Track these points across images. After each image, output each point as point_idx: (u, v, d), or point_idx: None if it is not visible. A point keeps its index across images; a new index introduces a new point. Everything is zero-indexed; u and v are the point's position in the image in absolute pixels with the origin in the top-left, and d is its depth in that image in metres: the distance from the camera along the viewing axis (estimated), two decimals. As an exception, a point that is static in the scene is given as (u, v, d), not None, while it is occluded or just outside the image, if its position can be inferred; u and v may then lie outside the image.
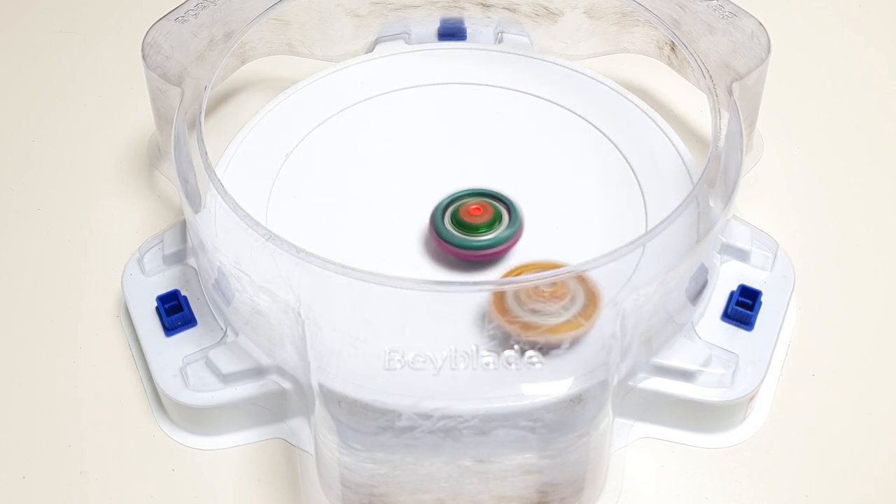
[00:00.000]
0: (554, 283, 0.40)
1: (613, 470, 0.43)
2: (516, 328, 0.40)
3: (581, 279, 0.41)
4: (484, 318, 0.41)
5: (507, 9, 0.55)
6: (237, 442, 0.44)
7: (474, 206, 0.46)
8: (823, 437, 0.45)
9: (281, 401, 0.44)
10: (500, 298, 0.41)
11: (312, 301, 0.40)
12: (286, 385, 0.43)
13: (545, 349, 0.40)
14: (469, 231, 0.45)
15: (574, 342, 0.40)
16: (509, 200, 0.46)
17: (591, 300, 0.41)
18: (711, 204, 0.45)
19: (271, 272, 0.42)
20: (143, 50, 0.49)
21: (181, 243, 0.47)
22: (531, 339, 0.40)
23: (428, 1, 0.55)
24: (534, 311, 0.41)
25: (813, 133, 0.56)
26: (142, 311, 0.46)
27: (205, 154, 0.44)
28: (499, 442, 0.39)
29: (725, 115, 0.47)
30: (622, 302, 0.40)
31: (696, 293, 0.45)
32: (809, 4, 0.61)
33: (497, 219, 0.46)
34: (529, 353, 0.40)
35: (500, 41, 0.55)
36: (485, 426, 0.39)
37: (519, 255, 0.46)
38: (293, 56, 0.56)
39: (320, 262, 0.40)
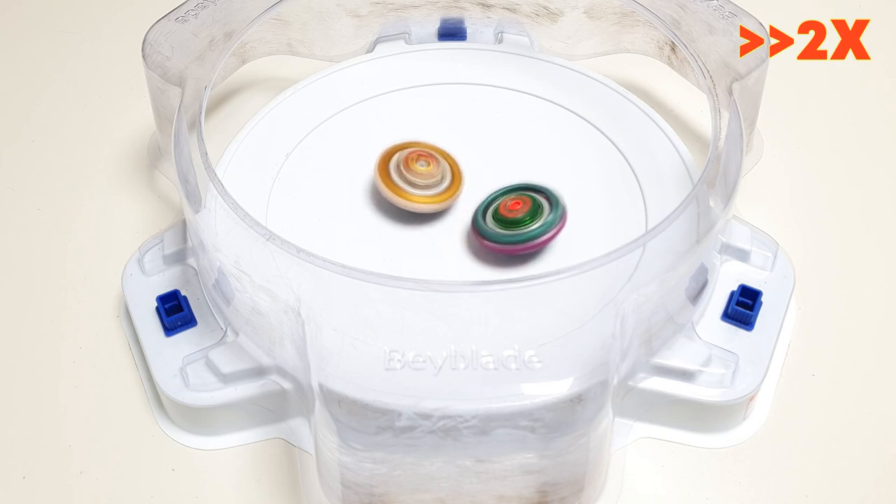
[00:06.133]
0: (428, 161, 0.47)
1: (613, 470, 0.43)
2: (388, 189, 0.46)
3: (450, 161, 0.48)
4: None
5: (507, 9, 0.55)
6: (237, 442, 0.44)
7: (513, 201, 0.46)
8: (823, 437, 0.45)
9: (281, 401, 0.44)
10: (385, 163, 0.47)
11: (312, 301, 0.40)
12: (286, 385, 0.43)
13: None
14: (511, 226, 0.45)
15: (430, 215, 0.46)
16: (548, 190, 0.46)
17: (455, 182, 0.47)
18: (711, 204, 0.45)
19: (271, 272, 0.42)
20: (143, 50, 0.49)
21: (181, 243, 0.47)
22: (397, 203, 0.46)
23: (428, 1, 0.55)
24: (408, 182, 0.46)
25: (813, 133, 0.56)
26: (142, 311, 0.46)
27: (205, 154, 0.44)
28: (499, 442, 0.39)
29: (725, 115, 0.47)
30: (622, 302, 0.40)
31: (696, 293, 0.45)
32: (809, 4, 0.61)
33: (538, 209, 0.46)
34: (529, 352, 0.40)
35: (500, 41, 0.55)
36: (485, 426, 0.39)
37: (518, 255, 0.46)
38: (293, 56, 0.56)
39: (320, 262, 0.40)
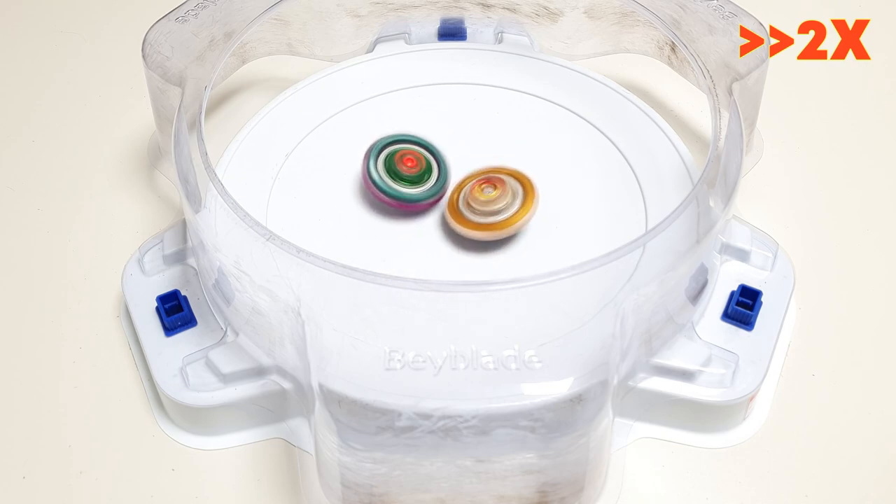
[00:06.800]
0: (492, 183, 0.46)
1: (613, 470, 0.43)
2: (476, 230, 0.45)
3: (513, 174, 0.47)
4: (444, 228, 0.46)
5: (507, 9, 0.55)
6: (237, 442, 0.44)
7: (408, 157, 0.47)
8: (823, 437, 0.45)
9: (281, 401, 0.44)
10: (454, 209, 0.46)
11: (312, 301, 0.40)
12: (286, 385, 0.43)
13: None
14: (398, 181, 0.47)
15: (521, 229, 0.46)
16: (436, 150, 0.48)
17: (528, 190, 0.46)
18: (711, 204, 0.45)
19: (271, 272, 0.42)
20: (143, 50, 0.49)
21: (181, 243, 0.47)
22: (492, 237, 0.45)
23: (428, 1, 0.55)
24: (485, 213, 0.45)
25: (813, 133, 0.56)
26: (142, 311, 0.46)
27: (205, 154, 0.44)
28: (499, 442, 0.39)
29: (725, 115, 0.47)
30: (622, 302, 0.40)
31: (696, 293, 0.45)
32: (809, 4, 0.61)
33: (426, 172, 0.47)
34: (529, 352, 0.40)
35: (500, 41, 0.55)
36: (485, 426, 0.39)
37: (518, 255, 0.46)
38: (293, 56, 0.56)
39: (320, 262, 0.40)
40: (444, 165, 0.48)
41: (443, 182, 0.47)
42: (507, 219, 0.45)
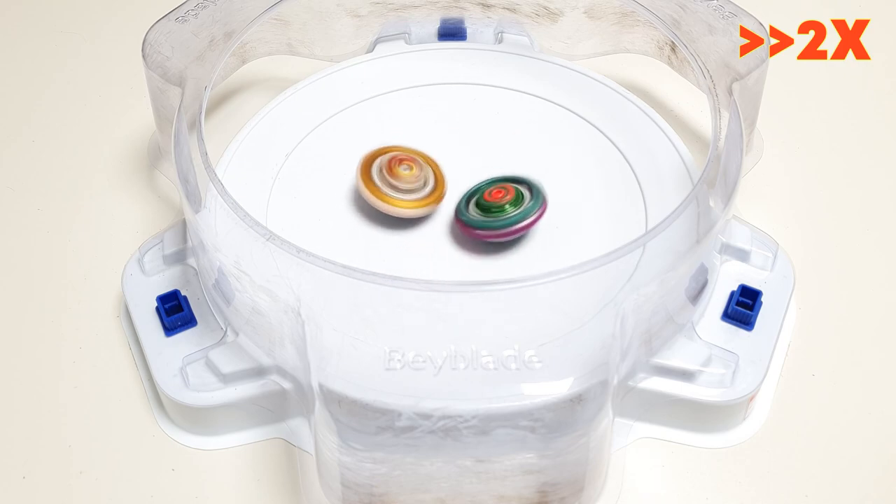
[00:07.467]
0: (411, 165, 0.47)
1: (613, 470, 0.43)
2: (375, 197, 0.46)
3: (433, 166, 0.48)
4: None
5: (507, 9, 0.55)
6: (237, 442, 0.44)
7: (496, 190, 0.46)
8: (823, 437, 0.45)
9: (281, 401, 0.44)
10: (367, 170, 0.47)
11: (312, 301, 0.40)
12: (286, 385, 0.43)
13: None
14: (493, 212, 0.46)
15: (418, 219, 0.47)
16: (530, 181, 0.47)
17: (439, 186, 0.47)
18: (711, 204, 0.45)
19: (271, 272, 0.42)
20: (143, 50, 0.49)
21: (181, 243, 0.47)
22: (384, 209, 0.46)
23: (428, 1, 0.55)
24: (392, 187, 0.46)
25: (813, 133, 0.56)
26: (142, 311, 0.46)
27: (205, 154, 0.44)
28: (499, 442, 0.39)
29: (725, 115, 0.47)
30: (622, 302, 0.40)
31: (696, 293, 0.45)
32: (809, 4, 0.61)
33: (520, 197, 0.46)
34: (529, 352, 0.40)
35: (500, 41, 0.55)
36: (485, 426, 0.39)
37: (518, 255, 0.46)
38: (293, 56, 0.56)
39: (320, 262, 0.40)
40: (532, 183, 0.47)
41: (539, 195, 0.46)
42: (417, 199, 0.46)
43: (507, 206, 0.45)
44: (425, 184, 0.47)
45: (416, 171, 0.47)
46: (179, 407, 0.44)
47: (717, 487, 0.43)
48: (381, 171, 0.47)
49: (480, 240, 0.46)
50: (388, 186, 0.46)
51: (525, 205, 0.46)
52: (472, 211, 0.46)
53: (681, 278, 0.42)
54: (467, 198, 0.47)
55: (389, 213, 0.46)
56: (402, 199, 0.46)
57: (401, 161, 0.47)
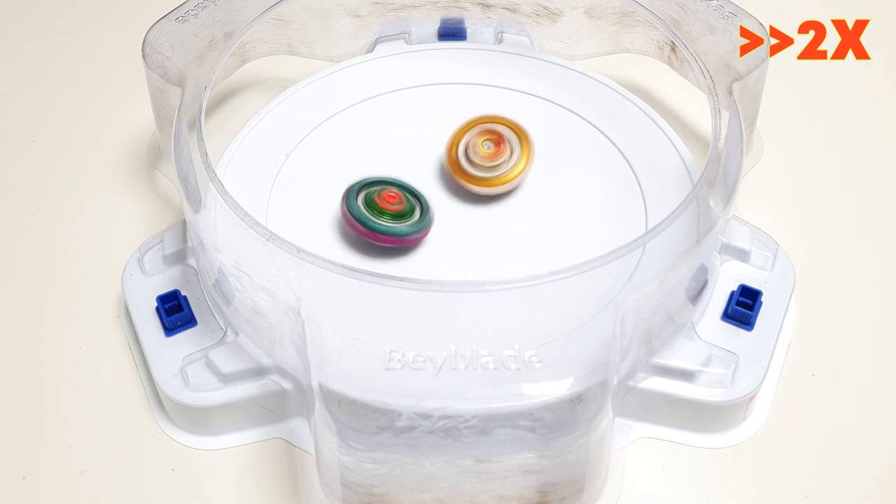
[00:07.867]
0: (494, 139, 0.48)
1: (613, 470, 0.43)
2: (473, 184, 0.47)
3: (511, 126, 0.48)
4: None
5: (507, 9, 0.55)
6: (237, 442, 0.44)
7: (391, 195, 0.46)
8: (823, 437, 0.45)
9: (281, 401, 0.44)
10: (455, 162, 0.48)
11: (312, 301, 0.40)
12: (286, 385, 0.43)
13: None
14: (373, 212, 0.46)
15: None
16: (420, 196, 0.47)
17: (525, 144, 0.48)
18: (711, 204, 0.45)
19: (271, 272, 0.42)
20: (143, 50, 0.49)
21: (181, 243, 0.47)
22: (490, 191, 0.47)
23: (428, 1, 0.55)
24: (484, 168, 0.47)
25: (813, 133, 0.56)
26: (142, 311, 0.46)
27: (205, 154, 0.44)
28: (499, 442, 0.39)
29: (725, 115, 0.47)
30: (622, 302, 0.40)
31: (696, 293, 0.45)
32: (809, 4, 0.61)
33: (409, 212, 0.46)
34: (529, 352, 0.40)
35: (500, 41, 0.55)
36: (485, 426, 0.39)
37: (517, 254, 0.46)
38: (293, 56, 0.56)
39: (320, 262, 0.40)
40: (426, 203, 0.47)
41: (427, 219, 0.46)
42: (506, 173, 0.47)
43: (387, 214, 0.45)
44: (511, 154, 0.48)
45: (498, 146, 0.48)
46: (179, 407, 0.44)
47: (717, 487, 0.43)
48: (465, 153, 0.47)
49: (352, 230, 0.46)
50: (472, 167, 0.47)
51: (407, 222, 0.45)
52: (360, 200, 0.46)
53: (681, 278, 0.42)
54: (366, 184, 0.46)
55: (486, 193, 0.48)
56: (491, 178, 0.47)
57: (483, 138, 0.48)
